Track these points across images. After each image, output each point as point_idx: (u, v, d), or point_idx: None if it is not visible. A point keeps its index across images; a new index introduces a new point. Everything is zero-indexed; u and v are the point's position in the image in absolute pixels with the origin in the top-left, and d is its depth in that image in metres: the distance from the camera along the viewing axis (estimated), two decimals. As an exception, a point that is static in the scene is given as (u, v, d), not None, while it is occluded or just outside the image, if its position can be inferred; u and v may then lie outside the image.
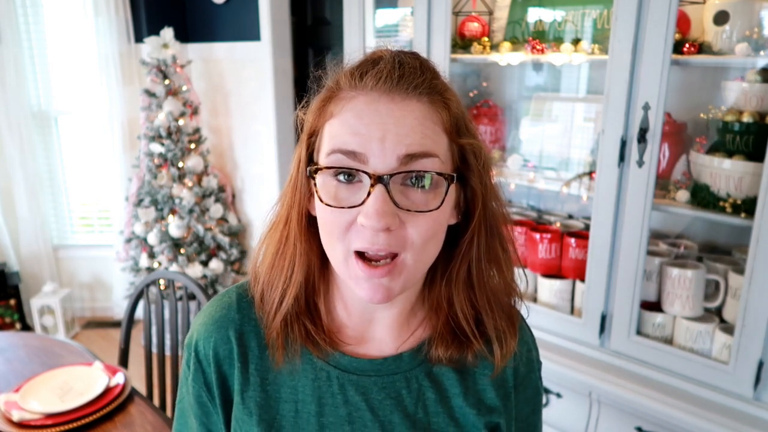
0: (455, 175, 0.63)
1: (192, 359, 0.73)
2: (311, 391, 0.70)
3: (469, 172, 0.65)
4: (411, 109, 0.60)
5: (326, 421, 0.69)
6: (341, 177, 0.61)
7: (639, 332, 1.64)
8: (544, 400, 0.84)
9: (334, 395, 0.70)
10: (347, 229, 0.61)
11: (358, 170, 0.60)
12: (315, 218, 0.66)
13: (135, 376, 1.56)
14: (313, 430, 0.69)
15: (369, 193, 0.59)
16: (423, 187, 0.61)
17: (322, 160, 0.62)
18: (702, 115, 1.58)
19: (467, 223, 0.68)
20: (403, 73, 0.61)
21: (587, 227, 1.78)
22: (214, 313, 0.73)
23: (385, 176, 0.59)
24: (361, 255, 0.62)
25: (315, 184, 0.62)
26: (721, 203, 1.46)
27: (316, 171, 0.62)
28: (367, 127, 0.59)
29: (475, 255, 0.68)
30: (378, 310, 0.71)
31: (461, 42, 1.93)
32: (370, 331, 0.72)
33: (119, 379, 1.43)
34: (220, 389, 0.72)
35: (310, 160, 0.66)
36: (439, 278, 0.71)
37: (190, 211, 2.97)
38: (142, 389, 1.67)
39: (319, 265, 0.70)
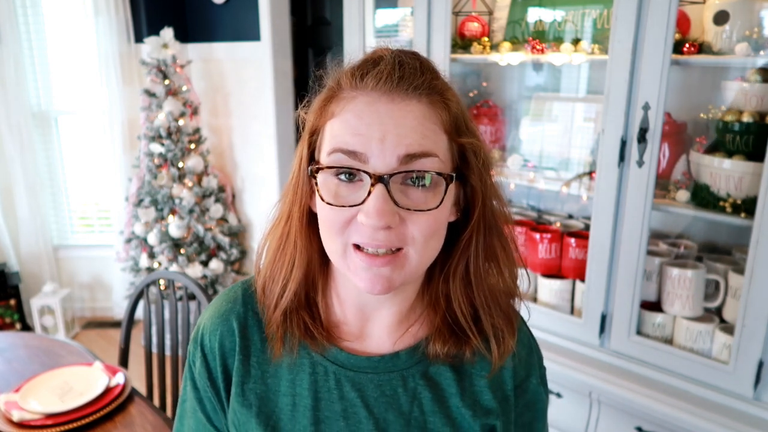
0: (454, 174, 0.64)
1: (198, 354, 0.74)
2: (308, 385, 0.71)
3: (468, 170, 0.66)
4: (410, 109, 0.61)
5: (322, 415, 0.70)
6: (342, 176, 0.62)
7: (639, 332, 1.64)
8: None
9: (330, 390, 0.71)
10: (347, 225, 0.62)
11: (358, 170, 0.61)
12: (316, 215, 0.67)
13: (135, 376, 1.55)
14: (308, 424, 0.70)
15: (369, 193, 0.60)
16: (423, 186, 0.61)
17: (324, 158, 0.64)
18: (702, 115, 1.58)
19: (467, 221, 0.69)
20: (403, 74, 0.62)
21: (587, 227, 1.78)
22: (220, 307, 0.75)
23: (385, 176, 0.60)
24: (359, 248, 0.63)
25: (316, 183, 0.63)
26: (721, 203, 1.46)
27: (317, 170, 0.63)
28: (367, 128, 0.60)
29: (474, 252, 0.69)
30: (375, 309, 0.72)
31: (461, 42, 1.93)
32: (367, 328, 0.73)
33: (119, 379, 1.43)
34: (225, 383, 0.73)
35: (312, 158, 0.67)
36: (438, 274, 0.72)
37: (190, 211, 2.97)
38: (142, 389, 1.67)
39: (319, 262, 0.72)
